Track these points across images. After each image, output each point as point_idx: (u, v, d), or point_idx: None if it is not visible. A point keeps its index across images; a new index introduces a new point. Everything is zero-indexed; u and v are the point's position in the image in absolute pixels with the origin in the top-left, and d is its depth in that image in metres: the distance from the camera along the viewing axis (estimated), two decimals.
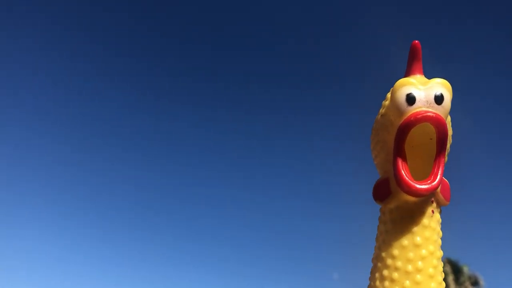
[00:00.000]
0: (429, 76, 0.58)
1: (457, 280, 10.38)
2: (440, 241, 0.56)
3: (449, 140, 0.58)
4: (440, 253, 0.56)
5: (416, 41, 0.58)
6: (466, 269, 10.58)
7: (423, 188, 0.54)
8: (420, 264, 0.54)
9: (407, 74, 0.58)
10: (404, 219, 0.56)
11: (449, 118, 0.58)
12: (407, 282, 0.54)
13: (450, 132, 0.58)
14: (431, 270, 0.54)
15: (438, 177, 0.54)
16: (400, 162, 0.55)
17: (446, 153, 0.57)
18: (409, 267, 0.54)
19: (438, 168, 0.54)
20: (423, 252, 0.54)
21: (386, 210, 0.58)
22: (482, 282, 10.54)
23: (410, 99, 0.54)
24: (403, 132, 0.55)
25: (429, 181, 0.54)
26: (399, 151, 0.55)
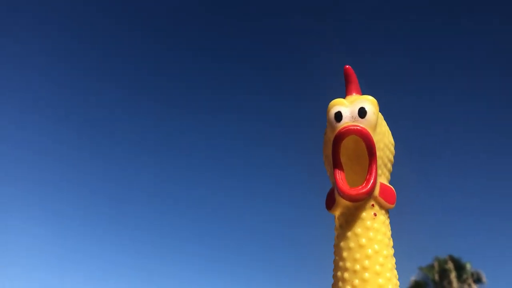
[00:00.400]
0: (369, 93, 0.65)
1: (459, 277, 10.37)
2: (387, 241, 0.60)
3: (390, 149, 0.64)
4: (388, 252, 0.60)
5: (347, 66, 0.66)
6: (469, 266, 10.55)
7: (354, 193, 0.60)
8: (366, 263, 0.58)
9: (346, 94, 0.66)
10: (349, 223, 0.61)
11: (385, 128, 0.64)
12: (356, 281, 0.59)
13: (389, 141, 0.64)
14: (378, 268, 0.58)
15: (370, 182, 0.59)
16: (337, 172, 0.62)
17: (387, 161, 0.63)
18: (357, 267, 0.59)
19: (371, 174, 0.60)
20: (369, 251, 0.59)
21: (336, 217, 0.65)
22: (484, 279, 10.54)
23: (338, 116, 0.62)
24: (334, 145, 0.62)
25: (360, 187, 0.60)
26: (335, 162, 0.62)
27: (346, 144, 0.62)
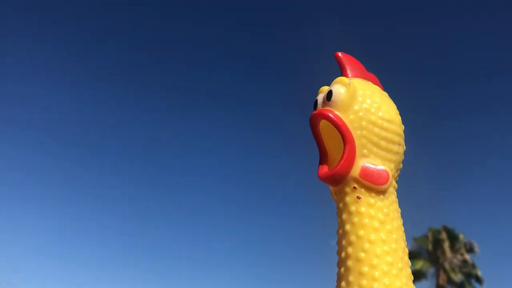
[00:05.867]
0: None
1: (452, 247, 10.55)
2: (376, 224, 0.56)
3: (381, 126, 0.59)
4: (377, 236, 0.55)
5: (336, 53, 0.64)
6: (462, 237, 10.73)
7: (319, 174, 0.60)
8: (350, 250, 0.55)
9: None
10: (338, 209, 0.60)
11: (372, 105, 0.59)
12: (342, 269, 0.57)
13: (379, 117, 0.59)
14: (361, 255, 0.55)
15: (341, 163, 0.57)
16: (320, 157, 0.62)
17: (378, 139, 0.59)
18: (342, 254, 0.57)
19: (342, 155, 0.58)
20: (352, 238, 0.56)
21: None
22: (477, 248, 10.73)
23: (314, 105, 0.63)
24: (312, 133, 0.62)
25: (331, 168, 0.59)
26: (318, 148, 0.62)
27: None
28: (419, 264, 10.42)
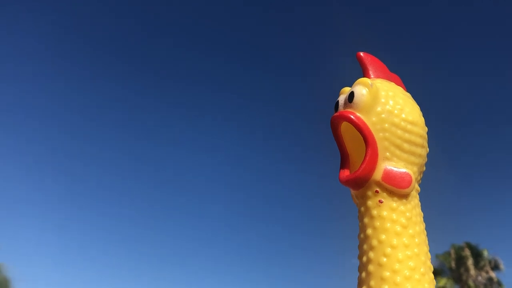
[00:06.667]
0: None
1: (476, 264, 10.30)
2: (399, 229, 0.55)
3: (404, 128, 0.57)
4: (399, 241, 0.55)
5: (359, 53, 0.64)
6: (486, 253, 10.47)
7: (341, 177, 0.59)
8: (371, 255, 0.55)
9: None
10: (360, 213, 0.59)
11: (395, 107, 0.58)
12: (363, 274, 0.55)
13: (402, 119, 0.57)
14: (383, 260, 0.54)
15: (363, 167, 0.56)
16: (341, 161, 0.61)
17: (401, 141, 0.57)
18: (364, 259, 0.56)
19: (364, 158, 0.56)
20: (373, 242, 0.55)
21: None
22: (502, 266, 10.46)
23: (335, 106, 0.62)
24: (333, 135, 0.61)
25: (353, 172, 0.58)
26: (340, 151, 0.61)
27: None
28: (442, 282, 10.18)
